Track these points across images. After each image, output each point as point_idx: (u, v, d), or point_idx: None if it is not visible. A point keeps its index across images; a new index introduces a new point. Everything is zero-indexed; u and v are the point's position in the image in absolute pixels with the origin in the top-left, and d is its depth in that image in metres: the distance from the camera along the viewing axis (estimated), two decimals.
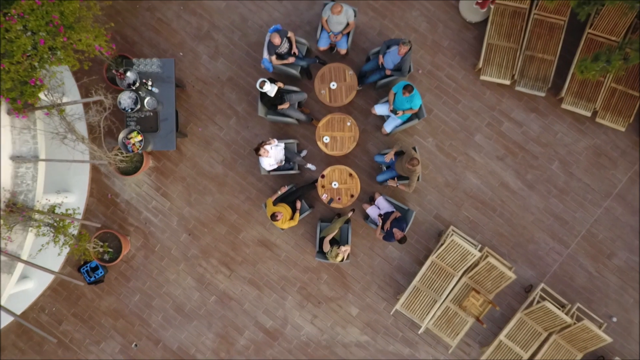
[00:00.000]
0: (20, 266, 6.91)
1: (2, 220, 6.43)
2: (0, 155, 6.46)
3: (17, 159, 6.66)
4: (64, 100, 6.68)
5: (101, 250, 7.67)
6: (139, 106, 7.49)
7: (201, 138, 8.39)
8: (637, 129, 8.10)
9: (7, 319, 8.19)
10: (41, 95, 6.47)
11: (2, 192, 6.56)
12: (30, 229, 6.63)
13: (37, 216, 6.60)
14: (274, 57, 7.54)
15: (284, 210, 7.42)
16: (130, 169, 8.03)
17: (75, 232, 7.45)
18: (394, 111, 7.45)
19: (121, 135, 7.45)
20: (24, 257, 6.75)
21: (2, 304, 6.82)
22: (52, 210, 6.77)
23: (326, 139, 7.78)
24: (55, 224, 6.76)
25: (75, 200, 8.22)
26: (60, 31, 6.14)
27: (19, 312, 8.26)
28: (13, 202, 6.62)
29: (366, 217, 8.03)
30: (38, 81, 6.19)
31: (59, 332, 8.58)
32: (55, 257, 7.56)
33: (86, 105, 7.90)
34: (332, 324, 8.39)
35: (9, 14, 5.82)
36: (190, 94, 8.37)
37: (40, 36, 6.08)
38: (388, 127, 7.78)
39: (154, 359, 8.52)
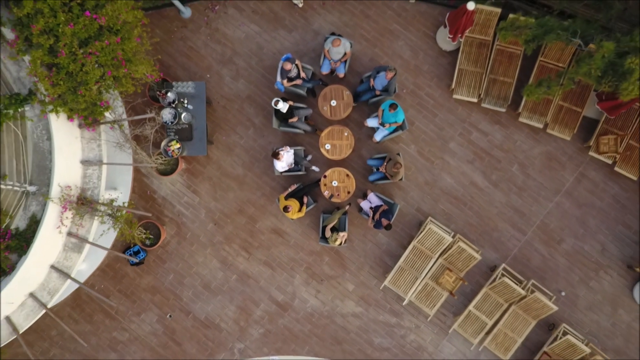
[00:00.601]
0: (87, 247, 8.72)
1: (75, 211, 8.24)
2: (63, 160, 8.29)
3: (85, 162, 8.48)
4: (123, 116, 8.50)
5: (144, 236, 9.46)
6: (177, 120, 9.30)
7: (225, 145, 10.21)
8: (581, 138, 9.92)
9: (66, 293, 9.97)
10: (106, 113, 8.27)
11: (74, 188, 8.36)
12: (95, 218, 8.43)
13: (101, 208, 8.41)
14: (285, 81, 9.37)
15: (293, 204, 9.23)
16: (167, 170, 9.84)
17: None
18: (382, 124, 9.27)
19: (163, 143, 9.26)
20: (90, 239, 8.56)
21: (73, 276, 8.63)
22: (111, 203, 8.57)
23: (328, 146, 9.60)
24: (113, 214, 8.56)
25: (121, 196, 10.01)
26: (122, 64, 7.94)
27: (73, 289, 10.07)
28: (83, 196, 8.42)
29: (360, 209, 9.85)
30: (106, 103, 7.99)
31: (105, 305, 10.39)
32: (104, 242, 9.37)
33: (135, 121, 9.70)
34: (332, 297, 10.21)
35: (86, 52, 7.61)
36: (216, 108, 10.19)
37: (107, 68, 7.88)
38: (378, 137, 9.60)
39: (185, 327, 10.33)
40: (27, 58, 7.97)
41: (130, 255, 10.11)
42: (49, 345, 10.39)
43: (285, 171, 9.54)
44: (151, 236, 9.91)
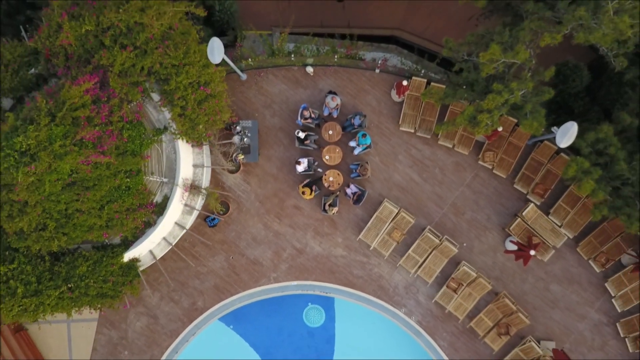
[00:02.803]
0: (195, 213, 15.75)
1: (189, 192, 15.26)
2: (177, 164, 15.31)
3: (195, 166, 15.51)
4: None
5: (220, 207, 16.45)
6: (241, 142, 16.33)
7: (266, 156, 17.22)
8: (474, 153, 16.94)
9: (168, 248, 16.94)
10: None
11: (188, 179, 15.39)
12: (200, 196, 15.46)
13: (203, 190, 15.43)
14: (302, 119, 16.42)
15: (307, 190, 16.26)
16: (234, 170, 16.87)
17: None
18: (358, 144, 16.32)
19: (234, 155, 16.29)
20: (197, 208, 15.61)
21: (185, 225, 15.66)
22: (207, 188, 15.58)
23: (327, 157, 16.64)
24: (207, 193, 15.56)
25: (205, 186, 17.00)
26: (218, 114, 14.96)
27: (174, 242, 17.04)
28: (194, 185, 15.43)
29: (345, 194, 16.87)
30: (210, 136, 15.06)
31: (193, 251, 17.39)
32: (195, 214, 16.35)
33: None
34: (328, 246, 17.23)
35: (201, 108, 14.63)
36: (262, 134, 17.21)
37: (210, 116, 14.89)
38: (356, 152, 16.64)
39: (241, 264, 17.34)
40: (164, 109, 14.94)
41: (209, 220, 17.12)
42: (164, 270, 17.41)
43: (302, 172, 16.58)
44: (223, 209, 16.94)
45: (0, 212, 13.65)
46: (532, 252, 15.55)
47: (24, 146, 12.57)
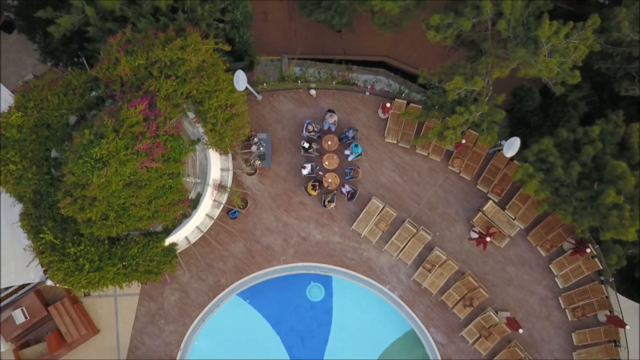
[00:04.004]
0: (221, 207, 19.83)
1: (217, 191, 19.32)
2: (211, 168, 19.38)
3: (221, 169, 19.60)
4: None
5: (240, 202, 20.53)
6: (258, 150, 20.40)
7: (277, 162, 21.29)
8: (445, 160, 21.00)
9: (198, 234, 20.99)
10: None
11: (217, 180, 19.46)
12: (225, 193, 19.53)
13: (227, 189, 19.50)
14: (306, 132, 20.50)
15: (310, 188, 20.35)
16: (252, 173, 20.94)
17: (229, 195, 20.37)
18: (351, 153, 20.41)
19: (252, 161, 20.36)
20: (223, 203, 19.69)
21: (214, 216, 19.75)
22: (230, 187, 19.65)
23: (326, 163, 20.74)
24: (231, 191, 19.63)
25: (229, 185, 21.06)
26: (241, 130, 19.05)
27: (205, 230, 21.08)
28: (221, 185, 19.50)
29: (341, 192, 20.95)
30: (234, 146, 19.14)
31: (218, 238, 21.45)
32: (221, 207, 20.40)
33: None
34: (327, 234, 21.30)
35: (228, 124, 18.72)
36: (274, 144, 21.26)
37: (236, 131, 18.96)
38: (350, 158, 20.74)
39: (256, 249, 21.41)
40: (198, 125, 18.97)
41: (231, 213, 21.19)
42: (197, 253, 21.47)
43: (306, 175, 20.67)
44: (243, 204, 21.03)
45: (74, 205, 17.69)
46: (488, 239, 19.62)
47: (98, 155, 16.61)
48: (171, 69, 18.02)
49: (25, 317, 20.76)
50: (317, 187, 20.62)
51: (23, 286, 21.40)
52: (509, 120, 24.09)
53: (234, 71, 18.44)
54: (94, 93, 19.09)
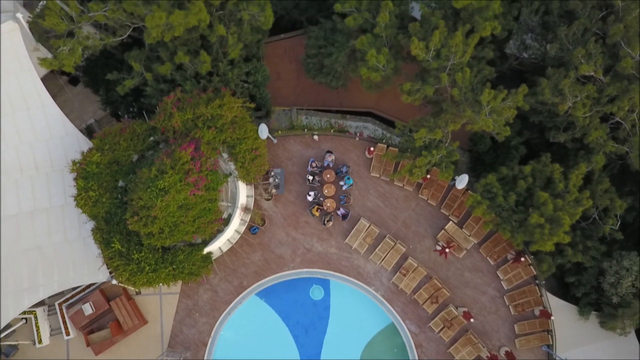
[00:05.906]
0: (245, 224, 26.16)
1: (243, 212, 25.69)
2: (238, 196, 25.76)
3: (247, 196, 26.02)
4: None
5: (260, 221, 26.89)
6: (274, 182, 26.85)
7: (288, 190, 27.72)
8: (416, 190, 27.46)
9: (228, 245, 27.24)
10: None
11: (244, 204, 25.84)
12: (249, 214, 25.89)
13: (250, 211, 25.86)
14: (310, 168, 27.02)
15: (314, 210, 26.75)
16: (269, 198, 27.36)
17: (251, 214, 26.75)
18: (345, 183, 26.90)
19: (270, 190, 26.79)
20: (247, 221, 26.05)
21: (240, 231, 26.08)
22: (254, 210, 26.02)
23: (326, 191, 27.22)
24: (253, 212, 26.01)
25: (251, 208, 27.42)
26: (262, 167, 25.55)
27: (234, 242, 27.33)
28: (246, 207, 25.87)
29: (337, 214, 27.33)
30: (257, 179, 25.62)
31: (241, 250, 27.70)
32: (245, 224, 26.71)
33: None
34: (326, 246, 27.62)
35: (255, 159, 25.23)
36: (286, 177, 27.72)
37: (258, 167, 25.46)
38: (344, 188, 27.24)
39: (271, 257, 27.65)
40: (230, 163, 25.41)
41: (252, 228, 27.52)
42: (225, 261, 27.66)
43: (311, 200, 27.12)
44: (262, 222, 27.40)
45: (140, 222, 23.98)
46: (447, 250, 25.95)
47: (162, 185, 22.99)
48: (212, 122, 24.55)
49: (92, 310, 26.82)
50: (319, 209, 27.03)
51: (89, 286, 27.52)
52: (469, 158, 30.64)
53: (256, 119, 25.04)
54: (152, 138, 25.59)
